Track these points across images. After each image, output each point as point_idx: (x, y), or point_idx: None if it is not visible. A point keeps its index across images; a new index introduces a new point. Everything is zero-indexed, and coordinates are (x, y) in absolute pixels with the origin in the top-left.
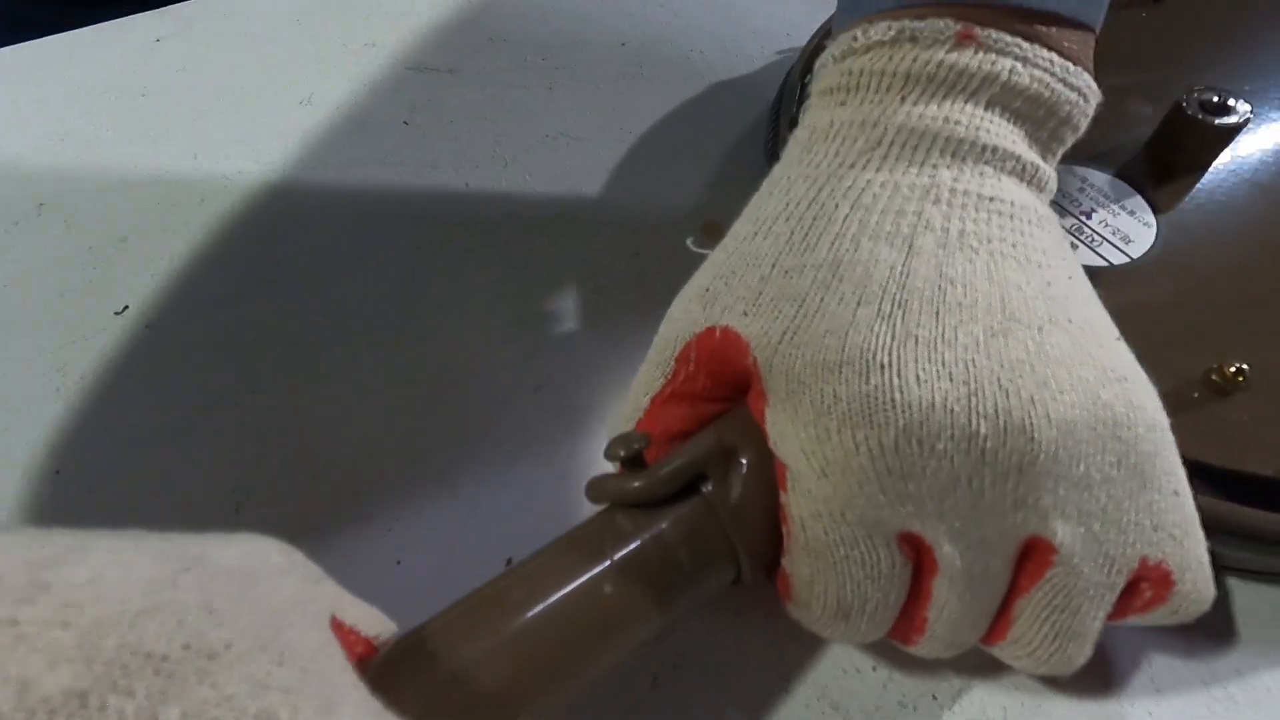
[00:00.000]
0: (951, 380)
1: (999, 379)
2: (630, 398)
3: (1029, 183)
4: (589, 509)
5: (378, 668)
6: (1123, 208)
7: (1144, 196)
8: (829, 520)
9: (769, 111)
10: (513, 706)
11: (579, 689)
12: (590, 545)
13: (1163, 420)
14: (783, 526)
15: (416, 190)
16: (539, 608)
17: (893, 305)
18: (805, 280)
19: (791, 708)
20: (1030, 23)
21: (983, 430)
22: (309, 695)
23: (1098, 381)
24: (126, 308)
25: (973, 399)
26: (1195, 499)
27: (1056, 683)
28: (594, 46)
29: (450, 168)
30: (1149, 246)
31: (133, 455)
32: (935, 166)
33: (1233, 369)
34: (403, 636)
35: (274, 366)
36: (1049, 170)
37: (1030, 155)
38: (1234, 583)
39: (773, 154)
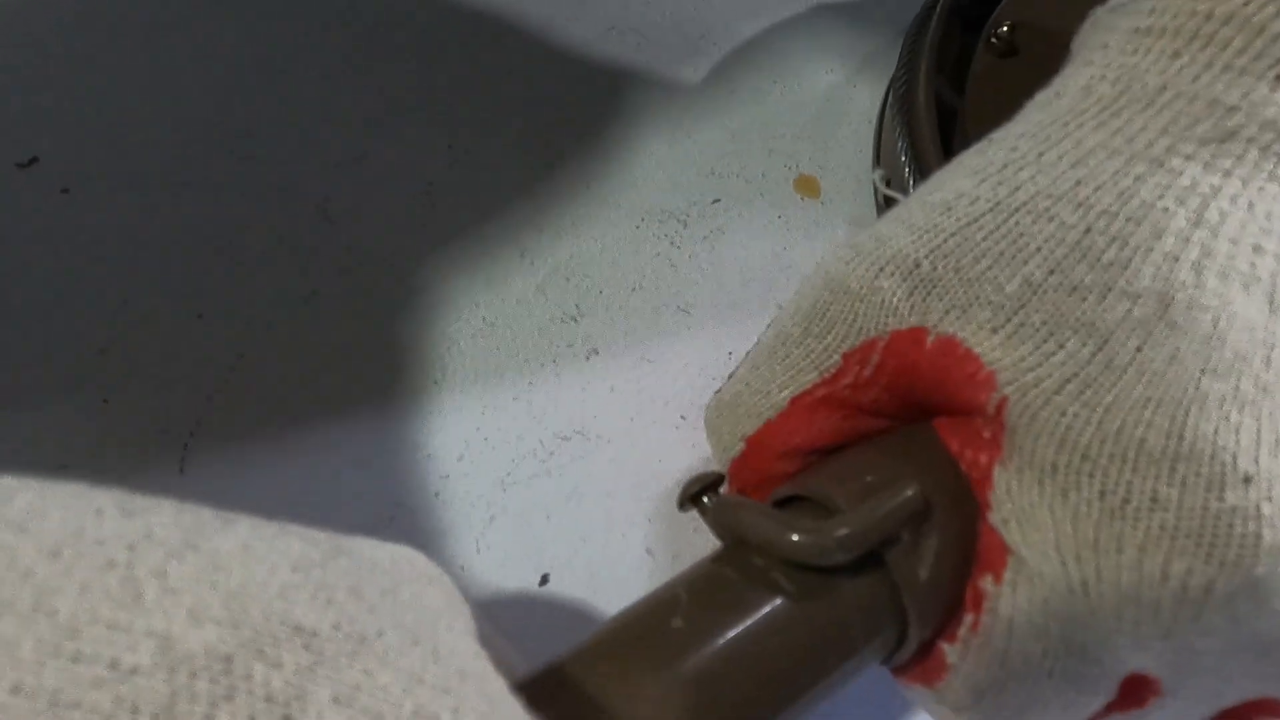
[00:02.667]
0: None
1: None
2: (754, 385)
3: None
4: None
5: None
6: None
7: None
8: (1058, 646)
9: (902, 56)
10: None
11: None
12: (716, 602)
13: None
14: (968, 614)
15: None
16: (687, 669)
17: (1256, 388)
18: (1114, 312)
19: None
20: None
21: None
22: (470, 698)
23: None
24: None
25: None
26: None
27: None
28: None
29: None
30: None
31: None
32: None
33: None
34: (542, 671)
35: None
36: None
37: None
38: None
39: (908, 115)
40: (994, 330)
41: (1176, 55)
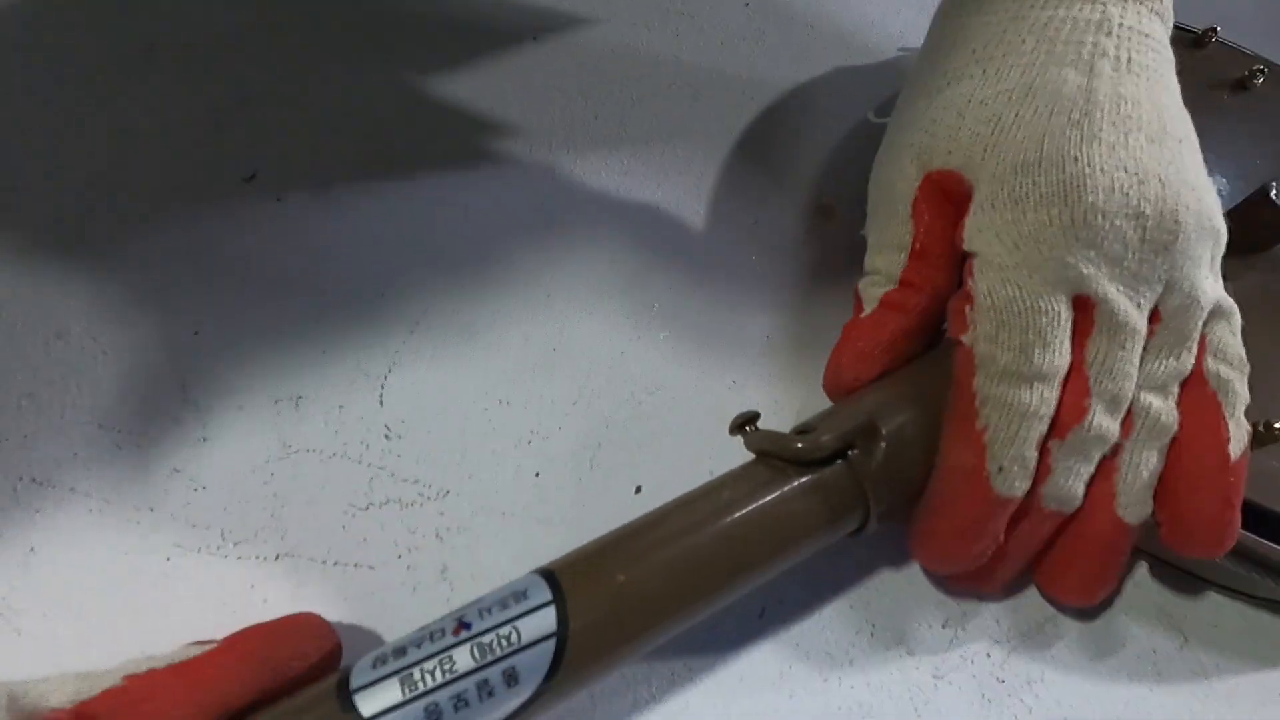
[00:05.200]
0: (1126, 172)
1: (1159, 175)
2: (878, 267)
3: (1162, 19)
4: None
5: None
6: None
7: None
8: (1016, 282)
9: None
10: (665, 618)
11: (709, 611)
12: (750, 484)
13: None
14: (965, 307)
15: (543, 116)
16: (700, 535)
17: (1080, 115)
18: (999, 104)
19: (874, 649)
20: None
21: (1147, 211)
22: None
23: (1204, 187)
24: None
25: (1141, 186)
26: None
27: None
28: (720, 2)
29: (578, 95)
30: None
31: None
32: (1105, 5)
33: (1278, 424)
34: (585, 546)
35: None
36: (1171, 7)
37: None
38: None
39: None
40: (949, 153)
41: None
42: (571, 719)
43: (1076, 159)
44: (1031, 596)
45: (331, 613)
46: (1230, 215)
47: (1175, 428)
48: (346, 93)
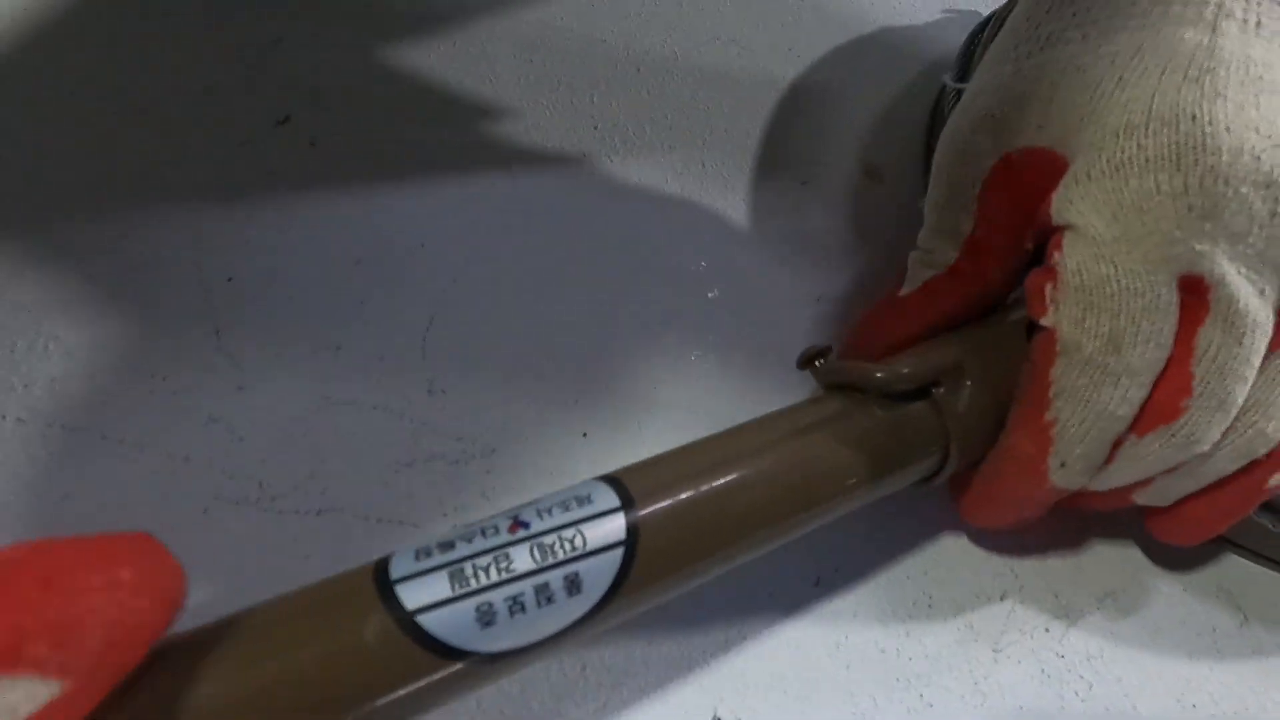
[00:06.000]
0: (1258, 133)
1: None
2: (931, 247)
3: None
4: None
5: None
6: None
7: None
8: (1113, 258)
9: (951, 73)
10: (736, 538)
11: (778, 541)
12: (828, 411)
13: None
14: (1047, 284)
15: (585, 67)
16: (775, 457)
17: (1200, 72)
18: (1101, 68)
19: (931, 621)
20: None
21: None
22: None
23: None
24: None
25: (1276, 151)
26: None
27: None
28: None
29: (620, 44)
30: None
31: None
32: None
33: None
34: (652, 458)
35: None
36: None
37: None
38: None
39: (936, 123)
40: (1040, 128)
41: None
42: (624, 669)
43: (1195, 116)
44: (1091, 570)
45: None
46: None
47: (1263, 454)
48: (380, 37)
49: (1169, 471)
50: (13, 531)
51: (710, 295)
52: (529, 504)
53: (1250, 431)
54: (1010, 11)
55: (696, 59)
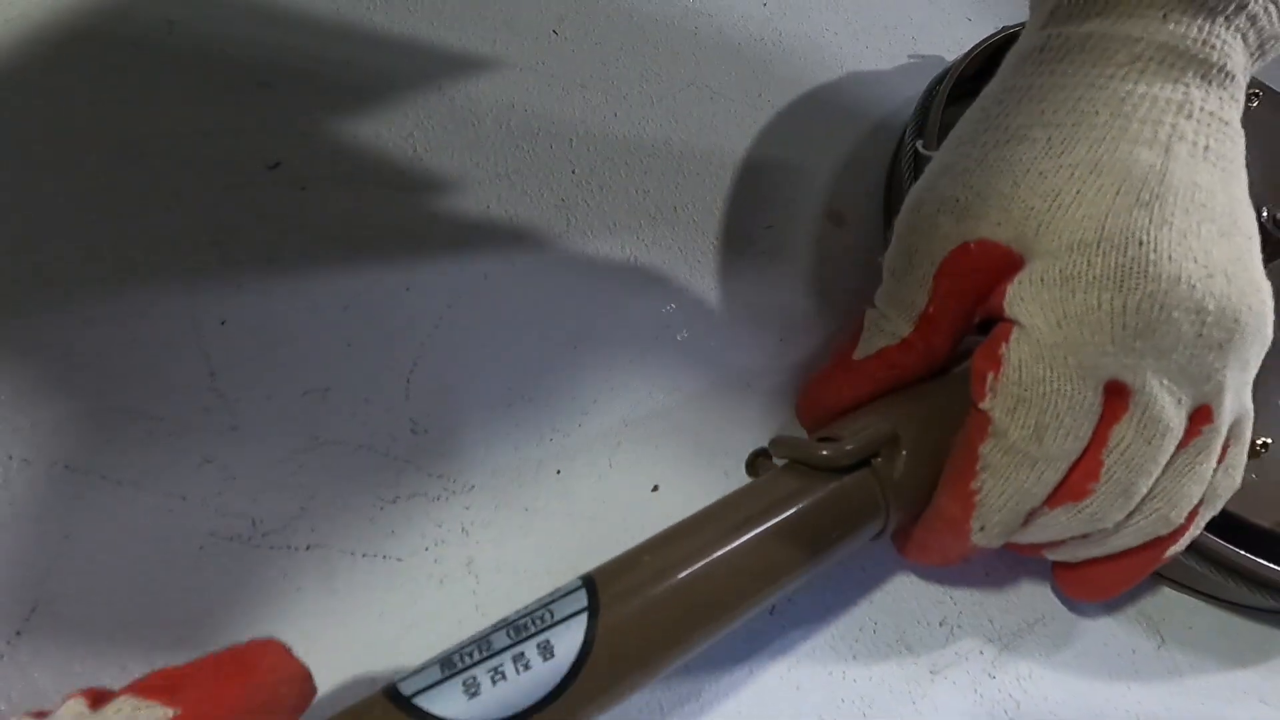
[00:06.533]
0: (1196, 263)
1: (1226, 271)
2: (887, 313)
3: (1238, 104)
4: None
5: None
6: None
7: None
8: (1050, 361)
9: (910, 123)
10: (706, 620)
11: (745, 613)
12: (780, 492)
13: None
14: (990, 373)
15: (564, 113)
16: (731, 542)
17: (1151, 196)
18: (1061, 178)
19: (876, 645)
20: None
21: (1210, 307)
22: None
23: (1266, 290)
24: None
25: (1209, 280)
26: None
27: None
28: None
29: (599, 90)
30: None
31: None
32: (1188, 85)
33: (1260, 442)
34: (619, 557)
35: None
36: (1243, 93)
37: (1244, 82)
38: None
39: (897, 170)
40: (998, 224)
41: (1100, 14)
42: None
43: (1142, 242)
44: (1023, 599)
45: (361, 604)
46: None
47: (1166, 534)
48: (367, 79)
49: (1079, 538)
50: (19, 568)
51: (679, 338)
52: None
53: (1154, 516)
54: (965, 67)
55: (671, 104)
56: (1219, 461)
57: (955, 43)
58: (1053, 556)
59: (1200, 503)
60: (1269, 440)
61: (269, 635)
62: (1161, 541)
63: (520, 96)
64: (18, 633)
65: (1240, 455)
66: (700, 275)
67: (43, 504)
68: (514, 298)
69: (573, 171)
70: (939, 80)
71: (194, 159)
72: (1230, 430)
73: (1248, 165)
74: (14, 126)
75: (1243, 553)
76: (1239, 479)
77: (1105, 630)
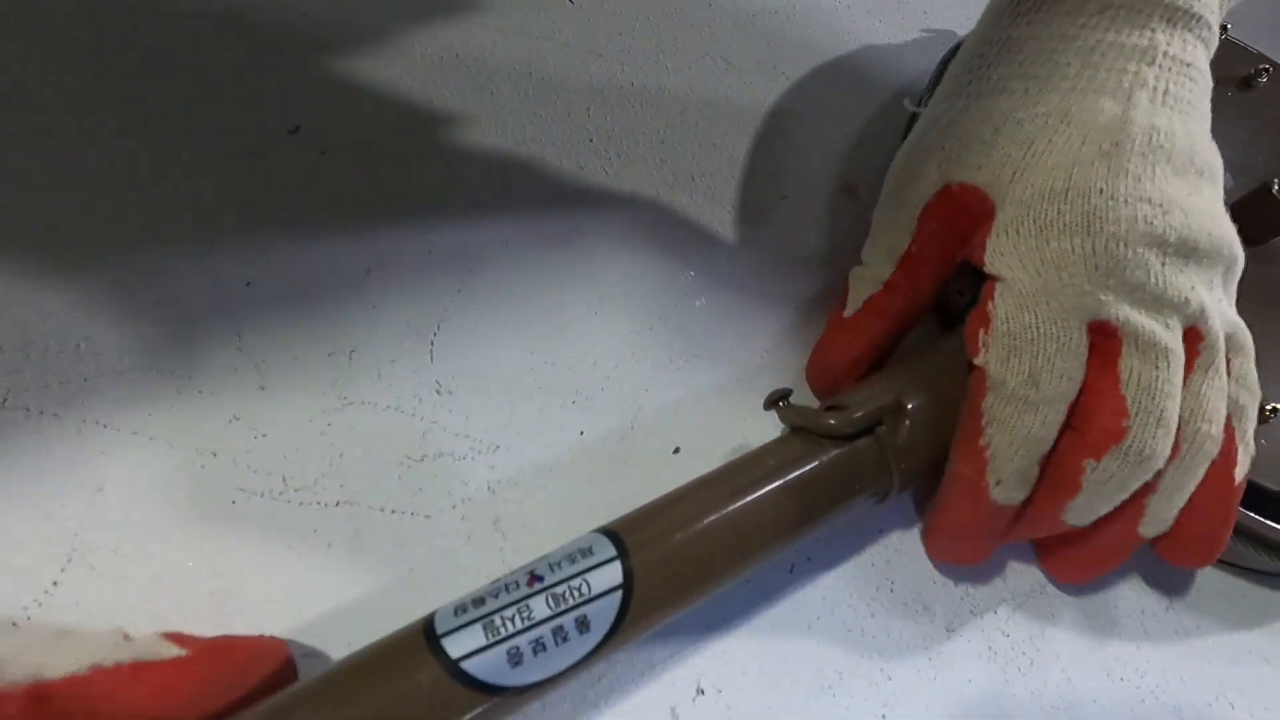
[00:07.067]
0: (1150, 204)
1: (1182, 205)
2: (871, 261)
3: (1206, 45)
4: None
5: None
6: None
7: None
8: (1034, 308)
9: (923, 96)
10: (715, 574)
11: (752, 569)
12: (788, 455)
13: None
14: (981, 330)
15: (582, 82)
16: (744, 500)
17: (1111, 146)
18: (1035, 127)
19: (893, 604)
20: None
21: (1171, 239)
22: None
23: (1221, 216)
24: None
25: (1165, 216)
26: None
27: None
28: None
29: (615, 60)
30: None
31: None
32: (1153, 30)
33: (1269, 407)
34: (642, 507)
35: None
36: (1217, 33)
37: (1215, 22)
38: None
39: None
40: (979, 168)
41: None
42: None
43: (1102, 190)
44: (1037, 562)
45: (391, 559)
46: (1232, 209)
47: (1217, 454)
48: (385, 46)
49: (1151, 492)
50: (53, 521)
51: (698, 304)
52: (541, 559)
53: (1198, 437)
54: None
55: (687, 75)
56: (1229, 375)
57: (967, 18)
58: (1147, 532)
59: (1230, 417)
60: (1278, 406)
61: (302, 587)
62: (1219, 467)
63: (537, 65)
64: (55, 583)
65: (1247, 364)
66: (717, 244)
67: (73, 458)
68: (534, 263)
69: (590, 140)
70: (951, 54)
71: (215, 124)
72: (1228, 344)
73: (1257, 140)
74: (36, 93)
75: (1252, 514)
76: (1256, 388)
77: (1115, 592)
